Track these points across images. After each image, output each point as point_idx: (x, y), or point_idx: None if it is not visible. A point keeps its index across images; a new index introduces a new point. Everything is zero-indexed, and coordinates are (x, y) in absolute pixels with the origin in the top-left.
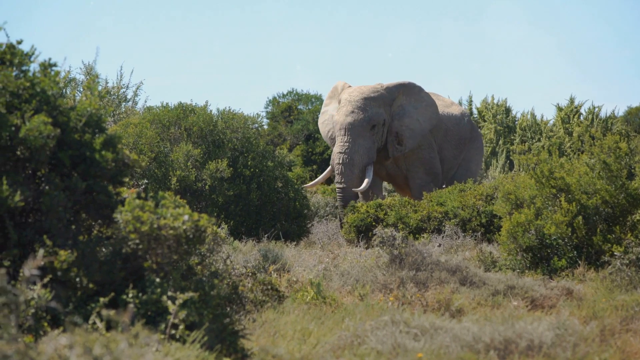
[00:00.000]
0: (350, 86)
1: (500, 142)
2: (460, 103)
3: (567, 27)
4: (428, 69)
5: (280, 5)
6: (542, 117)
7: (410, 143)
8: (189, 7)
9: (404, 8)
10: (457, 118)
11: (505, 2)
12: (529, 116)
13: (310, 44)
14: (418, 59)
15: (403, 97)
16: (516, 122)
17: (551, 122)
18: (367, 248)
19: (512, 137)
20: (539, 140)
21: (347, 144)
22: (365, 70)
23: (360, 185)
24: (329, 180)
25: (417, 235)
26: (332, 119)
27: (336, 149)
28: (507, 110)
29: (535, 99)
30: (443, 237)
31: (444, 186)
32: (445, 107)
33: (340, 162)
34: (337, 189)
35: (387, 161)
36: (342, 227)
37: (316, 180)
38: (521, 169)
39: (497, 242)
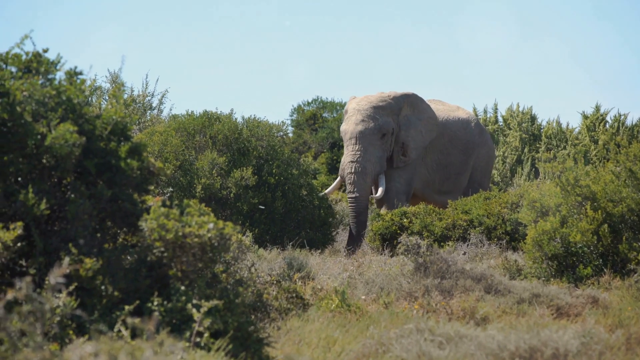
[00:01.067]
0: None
1: (526, 150)
2: (485, 111)
3: (593, 35)
4: (452, 76)
5: (305, 14)
6: (568, 125)
7: (413, 154)
8: (215, 16)
9: (429, 13)
10: (463, 122)
11: (529, 10)
12: (554, 124)
13: (335, 52)
14: (442, 66)
15: (408, 108)
16: (541, 130)
17: (577, 130)
18: (391, 256)
19: (538, 145)
20: (565, 148)
21: (359, 152)
22: (387, 77)
23: (376, 193)
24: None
25: (442, 243)
26: (341, 129)
27: (347, 158)
28: (533, 118)
29: (561, 107)
30: (468, 245)
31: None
32: (450, 112)
33: (352, 171)
34: (349, 199)
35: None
36: (352, 238)
37: (327, 191)
38: (546, 177)
39: (522, 250)
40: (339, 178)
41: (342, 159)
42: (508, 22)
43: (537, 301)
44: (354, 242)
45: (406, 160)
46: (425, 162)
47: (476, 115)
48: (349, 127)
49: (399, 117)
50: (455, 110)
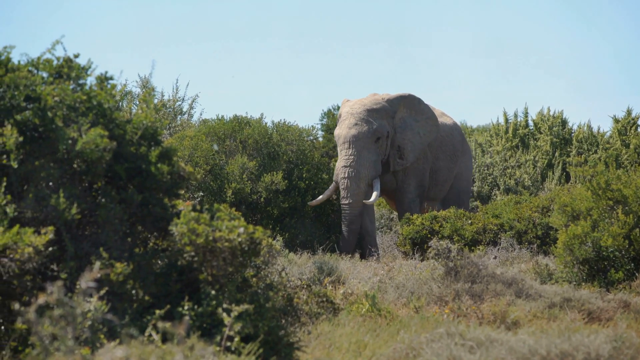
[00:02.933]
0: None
1: (557, 154)
2: (515, 115)
3: (624, 38)
4: (482, 80)
5: (333, 18)
6: (599, 128)
7: (411, 157)
8: (244, 20)
9: (458, 15)
10: (450, 128)
11: (560, 13)
12: (585, 128)
13: (364, 55)
14: (473, 70)
15: (404, 110)
16: (572, 134)
17: (608, 133)
18: (422, 260)
19: (569, 149)
20: (596, 152)
21: (353, 157)
22: (412, 79)
23: (369, 198)
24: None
25: (472, 248)
26: (334, 133)
27: (340, 163)
28: (563, 122)
29: (592, 111)
30: (499, 249)
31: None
32: (438, 117)
33: (346, 176)
34: (342, 205)
35: (387, 175)
36: (342, 246)
37: (320, 197)
38: (577, 181)
39: (553, 254)
40: (333, 184)
41: (336, 164)
42: (539, 24)
43: (568, 305)
44: (348, 248)
45: (404, 163)
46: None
47: (506, 120)
48: (342, 131)
49: (394, 119)
50: (441, 116)
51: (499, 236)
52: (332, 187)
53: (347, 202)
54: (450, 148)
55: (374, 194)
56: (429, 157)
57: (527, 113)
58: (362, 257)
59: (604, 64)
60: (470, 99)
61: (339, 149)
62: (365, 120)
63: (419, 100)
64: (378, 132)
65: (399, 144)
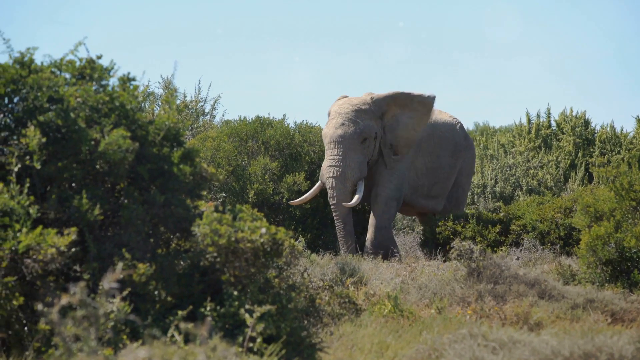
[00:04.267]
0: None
1: (579, 154)
2: (538, 116)
3: None
4: (505, 82)
5: (355, 18)
6: (622, 129)
7: (405, 150)
8: (266, 21)
9: (481, 15)
10: (451, 125)
11: (581, 14)
12: (608, 128)
13: (387, 55)
14: (494, 71)
15: (396, 108)
16: (595, 135)
17: (631, 134)
18: (444, 261)
19: (591, 150)
20: (619, 152)
21: (338, 157)
22: (436, 80)
23: (351, 200)
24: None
25: (495, 249)
26: (322, 133)
27: (326, 163)
28: (586, 123)
29: (615, 111)
30: (521, 250)
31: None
32: (437, 115)
33: (332, 175)
34: (331, 206)
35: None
36: (342, 248)
37: (304, 197)
38: (600, 182)
39: (576, 255)
40: (319, 183)
41: (323, 164)
42: (561, 23)
43: (591, 306)
44: (348, 248)
45: (398, 158)
46: (415, 167)
47: (529, 120)
48: (329, 130)
49: (383, 120)
50: (440, 113)
51: (521, 237)
52: (316, 186)
53: (334, 202)
54: (452, 145)
55: (356, 197)
56: (410, 159)
57: (549, 113)
58: (385, 257)
59: (627, 64)
60: (492, 99)
61: (325, 148)
62: (352, 120)
63: (412, 98)
64: (365, 132)
65: (392, 142)
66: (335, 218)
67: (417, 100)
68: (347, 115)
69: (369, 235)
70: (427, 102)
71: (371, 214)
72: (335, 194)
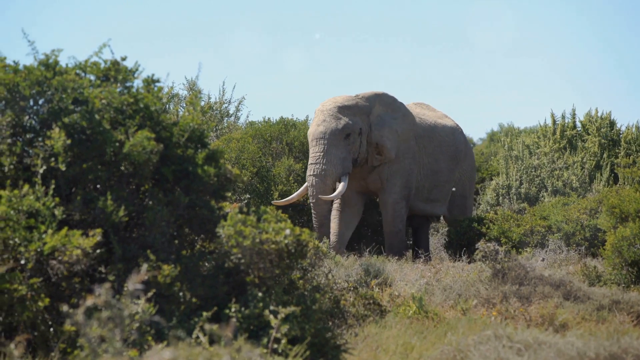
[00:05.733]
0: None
1: (605, 155)
2: (563, 117)
3: None
4: (530, 82)
5: (380, 20)
6: None
7: (390, 153)
8: (288, 24)
9: (508, 15)
10: (451, 129)
11: (605, 15)
12: (633, 129)
13: (410, 58)
14: (521, 73)
15: (380, 107)
16: (621, 135)
17: None
18: (469, 262)
19: (617, 151)
20: None
21: (320, 154)
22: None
23: (332, 193)
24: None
25: (520, 250)
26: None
27: (309, 161)
28: (612, 124)
29: None
30: (546, 251)
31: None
32: (438, 118)
33: (312, 173)
34: (310, 203)
35: (370, 175)
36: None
37: (290, 197)
38: (626, 183)
39: (601, 256)
40: (306, 183)
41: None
42: (587, 24)
43: (617, 308)
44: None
45: (382, 159)
46: (419, 165)
47: (554, 121)
48: (312, 128)
49: (369, 117)
50: (442, 117)
51: (546, 238)
52: (304, 187)
53: (313, 201)
54: (452, 149)
55: (340, 186)
56: (416, 157)
57: (574, 114)
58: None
59: None
60: (517, 100)
61: (309, 147)
62: (334, 116)
63: (394, 99)
64: (347, 128)
65: (377, 141)
66: (313, 217)
67: (398, 101)
68: (329, 112)
69: (385, 241)
70: (406, 107)
71: (383, 219)
72: (314, 192)
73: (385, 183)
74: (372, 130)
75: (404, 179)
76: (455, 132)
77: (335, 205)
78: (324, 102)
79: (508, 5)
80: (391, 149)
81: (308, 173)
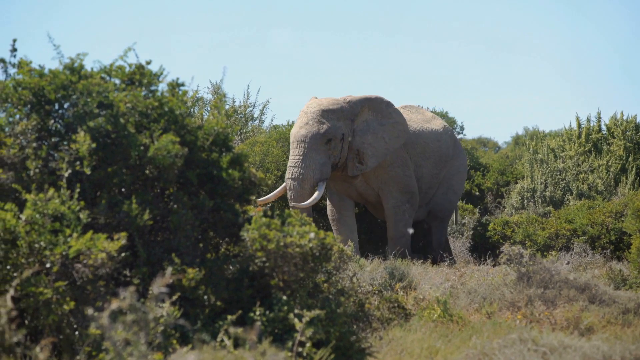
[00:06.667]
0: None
1: (630, 158)
2: (588, 120)
3: None
4: (555, 85)
5: (410, 23)
6: None
7: (372, 162)
8: (314, 27)
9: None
10: (437, 134)
11: (634, 19)
12: None
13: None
14: (544, 74)
15: (369, 113)
16: None
17: None
18: (494, 266)
19: None
20: None
21: (299, 157)
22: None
23: (307, 200)
24: None
25: (545, 253)
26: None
27: (288, 163)
28: (637, 127)
29: None
30: (571, 254)
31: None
32: (425, 122)
33: (291, 177)
34: (290, 207)
35: (356, 180)
36: None
37: (268, 196)
38: None
39: (627, 259)
40: (284, 184)
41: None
42: (611, 30)
43: None
44: None
45: (363, 168)
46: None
47: (579, 124)
48: (294, 130)
49: (354, 122)
50: (429, 121)
51: (571, 241)
52: (281, 187)
53: (291, 204)
54: (436, 154)
55: (315, 194)
56: (408, 163)
57: (599, 118)
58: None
59: None
60: (542, 104)
61: (290, 148)
62: (317, 120)
63: (388, 104)
64: (329, 133)
65: (358, 147)
66: None
67: (392, 107)
68: (312, 115)
69: (389, 247)
70: (400, 114)
71: (387, 226)
72: (292, 196)
73: (381, 192)
74: (355, 135)
75: (400, 185)
76: (442, 136)
77: (332, 216)
78: (309, 103)
79: (535, 8)
80: (372, 157)
81: (287, 176)
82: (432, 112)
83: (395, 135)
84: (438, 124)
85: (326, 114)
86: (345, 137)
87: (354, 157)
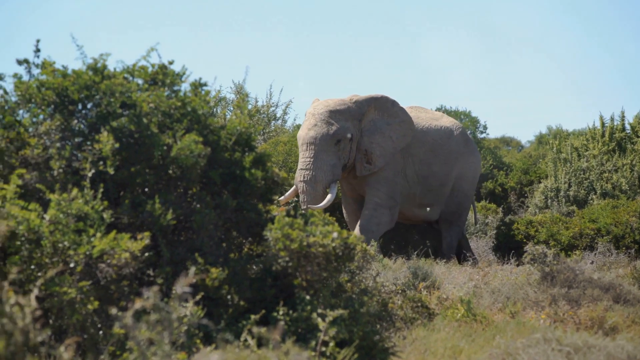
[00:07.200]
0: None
1: None
2: (612, 119)
3: None
4: (579, 84)
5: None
6: None
7: (380, 161)
8: (335, 28)
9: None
10: (446, 130)
11: None
12: None
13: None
14: (568, 73)
15: (375, 112)
16: None
17: None
18: (517, 265)
19: None
20: None
21: (310, 159)
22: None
23: (322, 202)
24: (478, 197)
25: (569, 253)
26: (297, 135)
27: (299, 166)
28: None
29: None
30: (595, 254)
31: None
32: (432, 120)
33: (302, 179)
34: (302, 210)
35: (355, 180)
36: None
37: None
38: None
39: None
40: (294, 187)
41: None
42: (634, 29)
43: None
44: None
45: (371, 168)
46: (405, 174)
47: (602, 123)
48: (302, 132)
49: (361, 122)
50: (438, 119)
51: (595, 241)
52: (291, 190)
53: (304, 207)
54: (446, 151)
55: (328, 197)
56: (399, 168)
57: (623, 117)
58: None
59: None
60: (566, 103)
61: (299, 150)
62: (325, 121)
63: (393, 102)
64: (338, 134)
65: (366, 147)
66: None
67: (398, 106)
68: (320, 116)
69: (359, 231)
70: (406, 112)
71: (361, 214)
72: (305, 199)
73: (368, 190)
74: (363, 136)
75: (388, 188)
76: (450, 134)
77: (347, 219)
78: (315, 104)
79: (557, 6)
80: (380, 157)
81: (298, 179)
82: (454, 111)
83: (402, 134)
84: (447, 121)
85: (334, 114)
86: (354, 137)
87: (362, 158)
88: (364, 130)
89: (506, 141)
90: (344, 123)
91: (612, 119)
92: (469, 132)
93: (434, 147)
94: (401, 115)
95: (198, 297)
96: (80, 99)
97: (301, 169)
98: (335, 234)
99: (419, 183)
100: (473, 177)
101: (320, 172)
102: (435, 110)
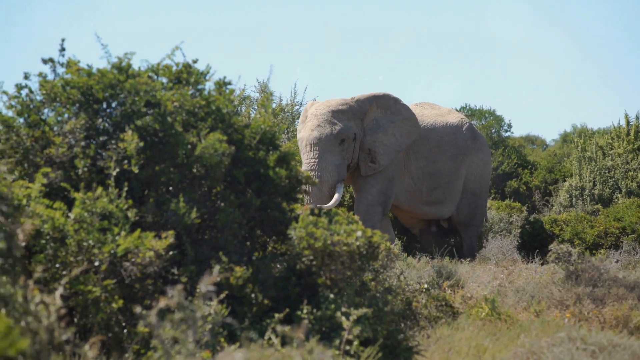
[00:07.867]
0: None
1: None
2: (637, 117)
3: None
4: (604, 83)
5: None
6: None
7: (384, 160)
8: (359, 28)
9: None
10: (453, 127)
11: None
12: None
13: (483, 60)
14: (593, 72)
15: (377, 110)
16: None
17: None
18: (542, 264)
19: None
20: None
21: (314, 160)
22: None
23: (329, 202)
24: (503, 196)
25: (593, 251)
26: (298, 137)
27: (303, 167)
28: None
29: None
30: (620, 252)
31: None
32: (439, 116)
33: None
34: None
35: (358, 180)
36: None
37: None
38: None
39: None
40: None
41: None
42: None
43: None
44: None
45: (376, 167)
46: (410, 171)
47: (627, 122)
48: (305, 133)
49: (363, 121)
50: (445, 115)
51: (620, 240)
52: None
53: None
54: (453, 148)
55: (335, 197)
56: (400, 166)
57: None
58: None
59: None
60: (591, 101)
61: (301, 152)
62: (328, 121)
63: (396, 100)
64: (342, 133)
65: (370, 146)
66: None
67: (400, 103)
68: (323, 116)
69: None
70: (409, 110)
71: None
72: (311, 200)
73: (362, 184)
74: (366, 135)
75: (383, 184)
76: (458, 130)
77: None
78: (316, 105)
79: (582, 8)
80: (384, 155)
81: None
82: (479, 110)
83: (406, 131)
84: (454, 117)
85: (336, 114)
86: (357, 136)
87: (366, 157)
88: (367, 129)
89: (531, 140)
90: (347, 122)
91: (637, 118)
92: (492, 130)
93: (440, 144)
94: (404, 113)
95: (222, 296)
96: (105, 98)
97: (305, 170)
98: (359, 233)
99: (424, 180)
100: (482, 174)
101: (325, 173)
102: (459, 110)
